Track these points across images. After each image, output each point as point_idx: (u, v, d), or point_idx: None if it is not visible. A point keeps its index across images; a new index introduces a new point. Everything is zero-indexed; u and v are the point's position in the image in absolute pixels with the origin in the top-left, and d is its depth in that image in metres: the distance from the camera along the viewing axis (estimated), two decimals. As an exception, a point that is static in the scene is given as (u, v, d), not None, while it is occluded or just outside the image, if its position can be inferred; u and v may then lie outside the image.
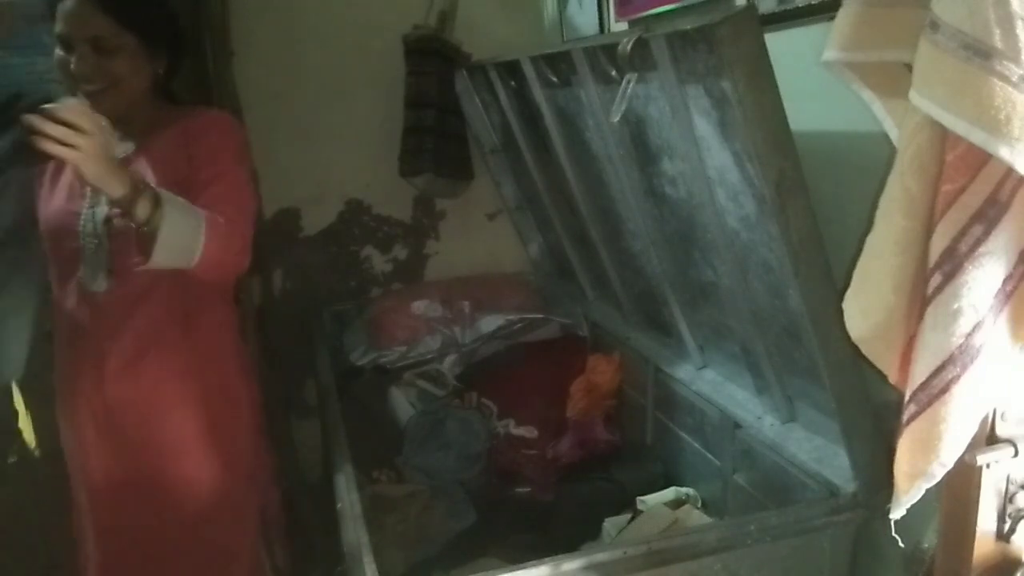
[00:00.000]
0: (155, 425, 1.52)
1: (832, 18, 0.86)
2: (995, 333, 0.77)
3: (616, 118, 1.35)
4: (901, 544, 0.94)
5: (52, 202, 1.50)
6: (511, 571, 1.20)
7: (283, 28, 2.42)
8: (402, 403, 2.28)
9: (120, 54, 1.41)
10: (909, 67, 0.78)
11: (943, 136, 0.75)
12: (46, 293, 1.59)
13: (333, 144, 2.52)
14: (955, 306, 0.76)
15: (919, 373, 0.80)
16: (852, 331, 0.89)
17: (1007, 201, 0.74)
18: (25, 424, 1.73)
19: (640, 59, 1.30)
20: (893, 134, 0.88)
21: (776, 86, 1.07)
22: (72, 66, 1.38)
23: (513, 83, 2.03)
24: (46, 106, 1.17)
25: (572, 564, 1.22)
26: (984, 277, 0.75)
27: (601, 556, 1.24)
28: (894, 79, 0.86)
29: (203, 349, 1.54)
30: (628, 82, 1.32)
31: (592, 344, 2.40)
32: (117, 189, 1.22)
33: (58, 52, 1.41)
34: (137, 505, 1.53)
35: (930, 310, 0.79)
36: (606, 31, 2.19)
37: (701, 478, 1.79)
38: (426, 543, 1.82)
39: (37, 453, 1.84)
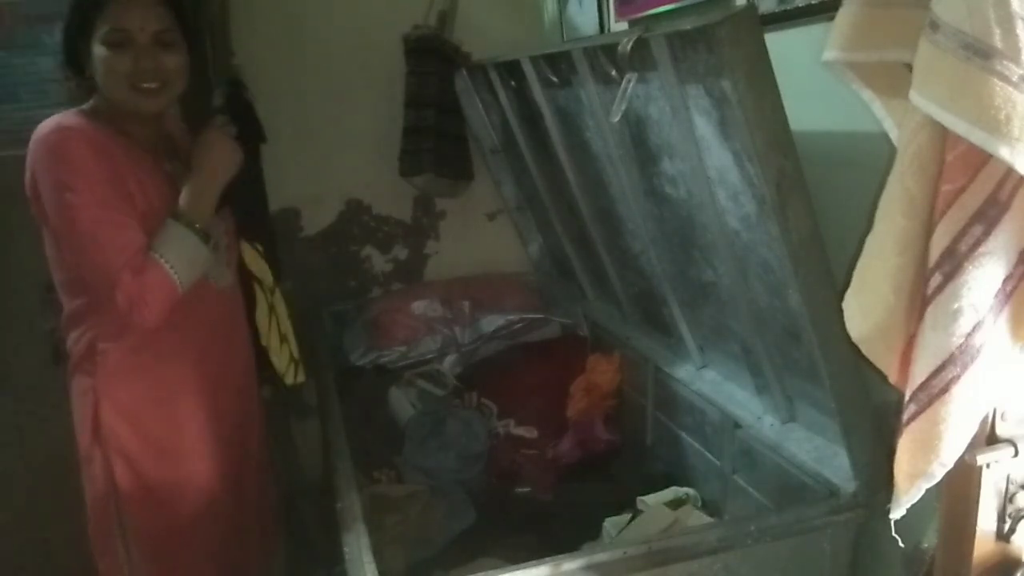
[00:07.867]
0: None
1: (832, 18, 0.86)
2: (995, 333, 0.77)
3: (616, 118, 1.34)
4: (901, 544, 0.94)
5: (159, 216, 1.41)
6: (511, 571, 1.21)
7: (283, 28, 2.42)
8: (402, 403, 2.28)
9: (176, 51, 1.37)
10: (909, 67, 0.78)
11: (943, 136, 0.75)
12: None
13: (333, 144, 2.52)
14: (955, 306, 0.76)
15: (919, 373, 0.80)
16: (852, 331, 0.89)
17: (1007, 201, 0.74)
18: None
19: (640, 59, 1.30)
20: (893, 134, 0.88)
21: (776, 86, 1.07)
22: (132, 62, 1.32)
23: (513, 83, 2.03)
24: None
25: (572, 564, 1.22)
26: (984, 277, 0.75)
27: (601, 556, 1.24)
28: (894, 79, 0.86)
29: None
30: (628, 82, 1.32)
31: (592, 344, 2.40)
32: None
33: (102, 50, 1.31)
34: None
35: (930, 310, 0.79)
36: (606, 31, 2.19)
37: (701, 478, 1.79)
38: (426, 543, 1.82)
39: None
